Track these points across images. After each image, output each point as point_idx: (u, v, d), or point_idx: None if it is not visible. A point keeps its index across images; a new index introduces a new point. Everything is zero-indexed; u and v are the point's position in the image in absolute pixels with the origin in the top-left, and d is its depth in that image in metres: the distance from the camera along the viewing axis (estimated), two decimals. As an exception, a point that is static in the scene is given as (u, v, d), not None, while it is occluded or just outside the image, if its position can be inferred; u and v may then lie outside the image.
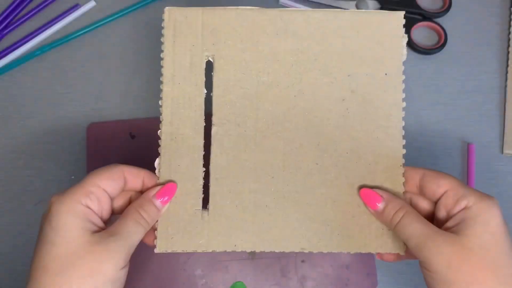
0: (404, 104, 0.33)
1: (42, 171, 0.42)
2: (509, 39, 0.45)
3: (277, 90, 0.33)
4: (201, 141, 0.33)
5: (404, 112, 0.33)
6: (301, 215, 0.32)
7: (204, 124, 0.33)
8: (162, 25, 0.33)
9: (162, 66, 0.33)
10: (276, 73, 0.33)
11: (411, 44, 0.44)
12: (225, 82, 0.33)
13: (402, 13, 0.34)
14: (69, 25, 0.45)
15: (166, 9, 0.34)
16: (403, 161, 0.33)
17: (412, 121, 0.43)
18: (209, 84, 0.33)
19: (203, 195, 0.33)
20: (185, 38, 0.33)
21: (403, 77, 0.33)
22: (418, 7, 0.45)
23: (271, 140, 0.33)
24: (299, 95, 0.33)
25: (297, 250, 0.32)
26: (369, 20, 0.34)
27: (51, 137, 0.43)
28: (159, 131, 0.33)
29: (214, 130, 0.33)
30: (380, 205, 0.31)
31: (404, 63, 0.42)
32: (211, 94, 0.33)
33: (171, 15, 0.33)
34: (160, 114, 0.33)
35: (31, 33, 0.45)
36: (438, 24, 0.44)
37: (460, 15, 0.46)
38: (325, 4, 0.45)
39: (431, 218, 0.31)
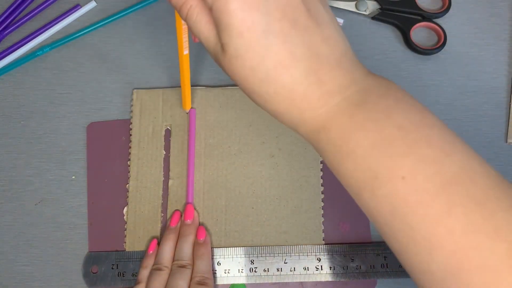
0: (321, 158, 0.38)
1: (42, 171, 0.42)
2: None
3: (221, 149, 0.41)
4: (160, 192, 0.41)
5: (321, 165, 0.41)
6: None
7: (163, 178, 0.41)
8: (131, 103, 0.43)
9: (130, 135, 0.42)
10: (220, 136, 0.42)
11: (410, 45, 0.44)
12: (180, 144, 0.41)
13: None
14: (69, 25, 0.45)
15: (134, 90, 0.43)
16: (322, 204, 0.40)
17: (411, 121, 0.43)
18: (167, 147, 0.41)
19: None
20: (149, 112, 0.42)
21: None
22: (418, 7, 0.45)
23: (216, 189, 0.41)
24: (238, 153, 0.41)
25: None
26: None
27: (51, 137, 0.43)
28: (127, 185, 0.41)
29: (170, 182, 0.41)
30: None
31: (404, 63, 0.43)
32: (169, 155, 0.41)
33: (138, 95, 0.43)
34: (128, 172, 0.41)
35: (32, 34, 0.45)
36: (438, 25, 0.45)
37: (460, 16, 0.46)
38: (324, 5, 0.45)
39: None
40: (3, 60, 0.44)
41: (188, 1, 0.24)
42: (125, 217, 0.41)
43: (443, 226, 0.21)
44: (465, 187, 0.21)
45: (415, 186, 0.21)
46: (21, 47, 0.44)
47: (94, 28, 0.45)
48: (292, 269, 0.39)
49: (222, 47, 0.23)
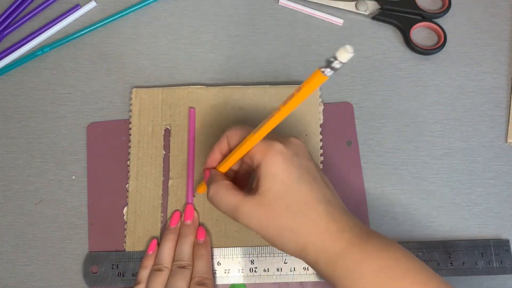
0: (322, 158, 0.41)
1: (42, 171, 0.42)
2: None
3: None
4: (160, 192, 0.41)
5: (322, 165, 0.41)
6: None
7: (163, 178, 0.41)
8: (130, 102, 0.42)
9: (130, 134, 0.41)
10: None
11: (410, 45, 0.44)
12: (179, 144, 0.41)
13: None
14: (69, 25, 0.45)
15: (133, 89, 0.42)
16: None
17: (411, 121, 0.43)
18: (167, 147, 0.41)
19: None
20: (148, 111, 0.42)
21: (320, 136, 0.42)
22: (418, 7, 0.45)
23: None
24: None
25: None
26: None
27: (51, 137, 0.43)
28: (127, 185, 0.41)
29: (170, 182, 0.41)
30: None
31: (404, 63, 0.43)
32: (169, 155, 0.41)
33: (137, 94, 0.42)
34: (128, 172, 0.41)
35: (32, 34, 0.45)
36: (438, 25, 0.45)
37: (460, 16, 0.46)
38: (324, 5, 0.45)
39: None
40: (3, 60, 0.44)
41: (220, 182, 0.32)
42: (125, 217, 0.41)
43: None
44: None
45: None
46: (21, 47, 0.44)
47: (94, 28, 0.45)
48: (292, 269, 0.39)
49: (260, 195, 0.30)
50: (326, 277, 0.31)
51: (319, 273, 0.31)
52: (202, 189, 0.39)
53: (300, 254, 0.31)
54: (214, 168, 0.35)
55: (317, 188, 0.31)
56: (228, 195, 0.31)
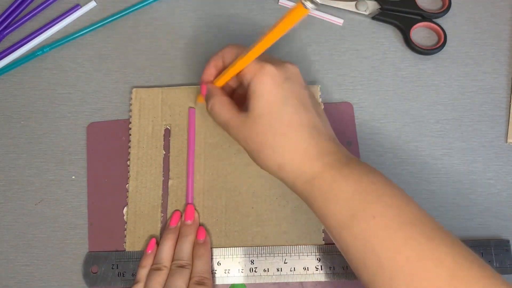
0: None
1: (42, 171, 0.42)
2: None
3: (221, 149, 0.41)
4: (159, 192, 0.41)
5: None
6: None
7: (163, 178, 0.41)
8: (130, 102, 0.43)
9: (130, 134, 0.42)
10: (219, 136, 0.41)
11: (410, 45, 0.44)
12: (179, 144, 0.41)
13: (318, 86, 0.43)
14: (69, 25, 0.45)
15: (133, 89, 0.43)
16: None
17: (411, 121, 0.43)
18: (167, 147, 0.41)
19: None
20: (148, 111, 0.42)
21: None
22: (418, 7, 0.45)
23: (216, 189, 0.41)
24: (238, 153, 0.41)
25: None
26: None
27: (51, 137, 0.43)
28: (127, 185, 0.41)
29: (170, 182, 0.41)
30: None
31: (404, 63, 0.43)
32: (169, 155, 0.41)
33: (137, 94, 0.43)
34: (128, 172, 0.41)
35: (32, 33, 0.45)
36: (438, 25, 0.45)
37: (460, 16, 0.46)
38: (324, 5, 0.45)
39: None
40: (3, 60, 0.44)
41: (217, 98, 0.34)
42: (125, 217, 0.41)
43: (402, 254, 0.27)
44: (418, 227, 0.28)
45: (383, 224, 0.28)
46: (21, 47, 0.44)
47: (94, 28, 0.45)
48: (292, 269, 0.39)
49: (248, 112, 0.32)
50: (303, 199, 0.32)
51: (297, 194, 0.33)
52: (200, 100, 0.40)
53: (278, 173, 0.32)
54: (211, 82, 0.36)
55: (304, 113, 0.32)
56: (223, 110, 0.34)
